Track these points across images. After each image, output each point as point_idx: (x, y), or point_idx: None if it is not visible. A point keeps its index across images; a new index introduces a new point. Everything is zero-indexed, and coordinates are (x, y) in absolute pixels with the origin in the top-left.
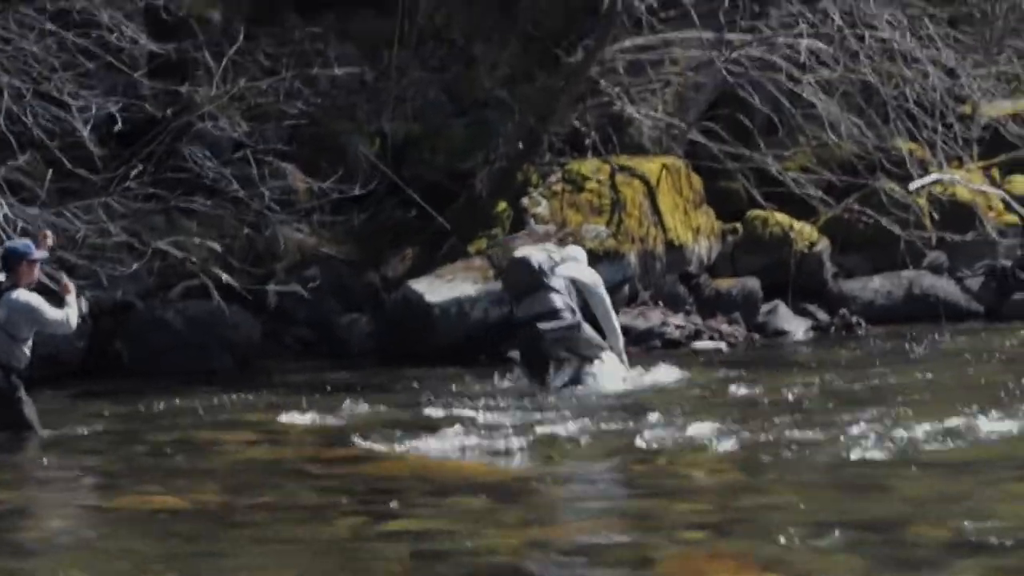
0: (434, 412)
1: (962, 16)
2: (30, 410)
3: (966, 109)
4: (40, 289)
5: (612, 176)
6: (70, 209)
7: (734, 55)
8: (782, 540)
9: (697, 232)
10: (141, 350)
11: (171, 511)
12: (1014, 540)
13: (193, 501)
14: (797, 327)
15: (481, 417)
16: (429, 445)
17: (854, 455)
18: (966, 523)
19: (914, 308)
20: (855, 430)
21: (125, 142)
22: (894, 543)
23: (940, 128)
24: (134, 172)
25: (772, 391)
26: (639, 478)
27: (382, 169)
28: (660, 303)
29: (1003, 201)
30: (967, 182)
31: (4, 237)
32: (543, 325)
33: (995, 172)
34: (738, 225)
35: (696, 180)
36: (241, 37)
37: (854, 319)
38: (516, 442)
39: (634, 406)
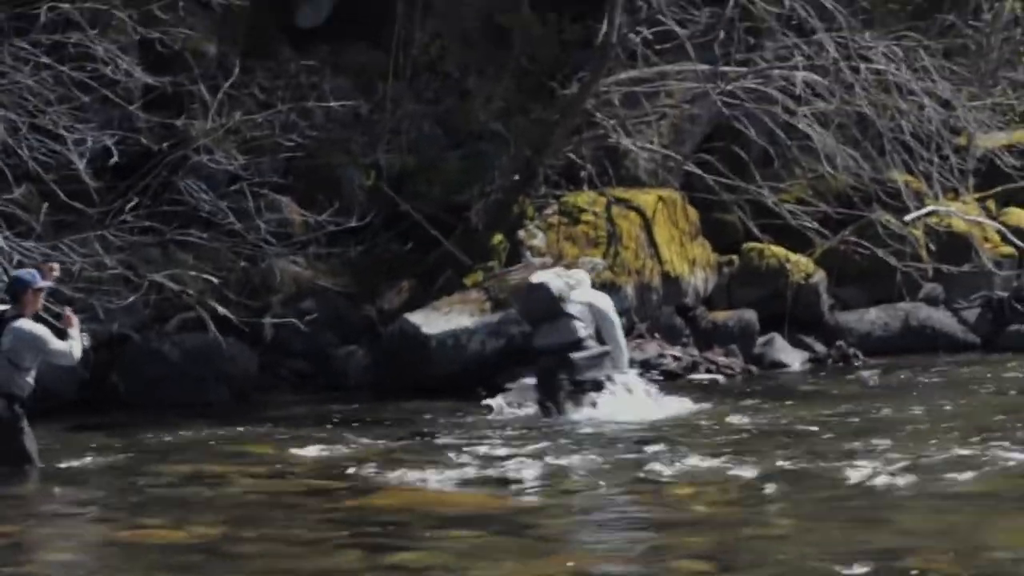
0: (432, 444)
1: (957, 48)
2: (30, 442)
3: (962, 141)
4: (41, 320)
5: (608, 208)
6: (66, 242)
7: (729, 87)
8: (785, 572)
9: (693, 264)
10: (137, 382)
11: (170, 544)
12: (1016, 573)
13: (192, 534)
14: (794, 359)
15: (481, 449)
16: (428, 477)
17: (855, 486)
18: (968, 554)
19: (911, 340)
20: (856, 461)
21: (121, 175)
22: (895, 574)
23: (936, 160)
24: (130, 205)
25: (772, 423)
26: (642, 509)
27: (380, 201)
28: (657, 335)
29: (999, 232)
30: (963, 214)
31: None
32: (576, 355)
33: (991, 203)
34: (734, 257)
35: (692, 212)
36: (236, 70)
37: (851, 351)
38: (517, 474)
39: (637, 437)
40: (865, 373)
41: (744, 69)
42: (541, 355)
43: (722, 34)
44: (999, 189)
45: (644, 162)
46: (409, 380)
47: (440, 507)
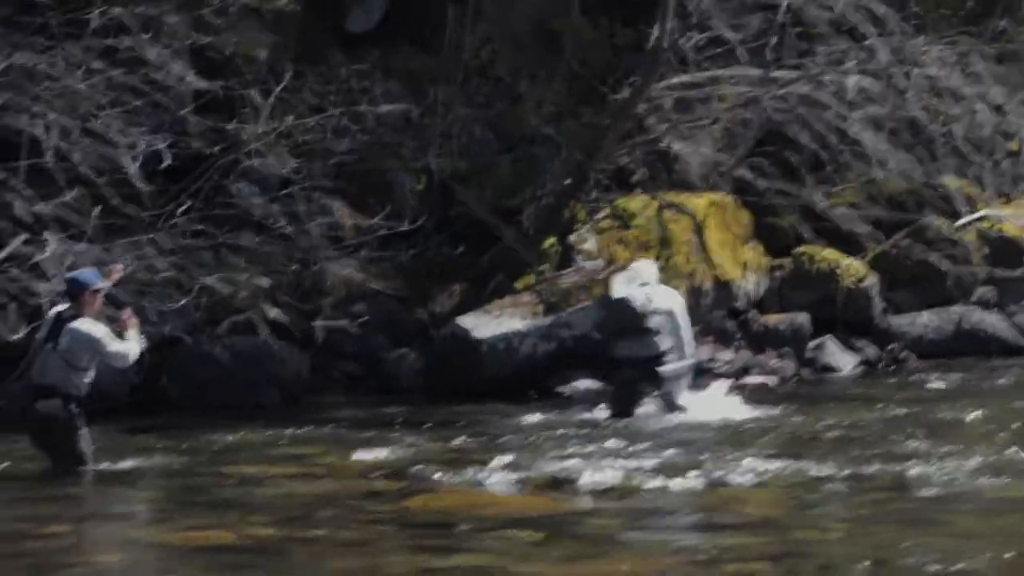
0: (485, 446)
1: (1009, 53)
2: (85, 444)
3: (1013, 146)
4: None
5: (660, 212)
6: (118, 245)
7: (781, 92)
8: (841, 575)
9: (745, 268)
10: (188, 385)
11: (222, 545)
12: None
13: (244, 535)
14: (846, 362)
15: (534, 451)
16: (481, 479)
17: (912, 489)
18: (1022, 559)
19: (963, 343)
20: (909, 464)
21: (172, 179)
22: None
23: (988, 164)
24: (181, 208)
25: (826, 426)
26: (697, 511)
27: (431, 204)
28: (709, 338)
29: None
30: (1015, 218)
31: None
32: (665, 369)
33: None
34: (786, 261)
35: (744, 216)
36: (288, 75)
37: (903, 354)
38: (572, 476)
39: (693, 439)
40: (919, 377)
41: (796, 74)
42: (622, 365)
43: (774, 39)
44: None
45: (696, 166)
46: (460, 383)
47: (493, 508)
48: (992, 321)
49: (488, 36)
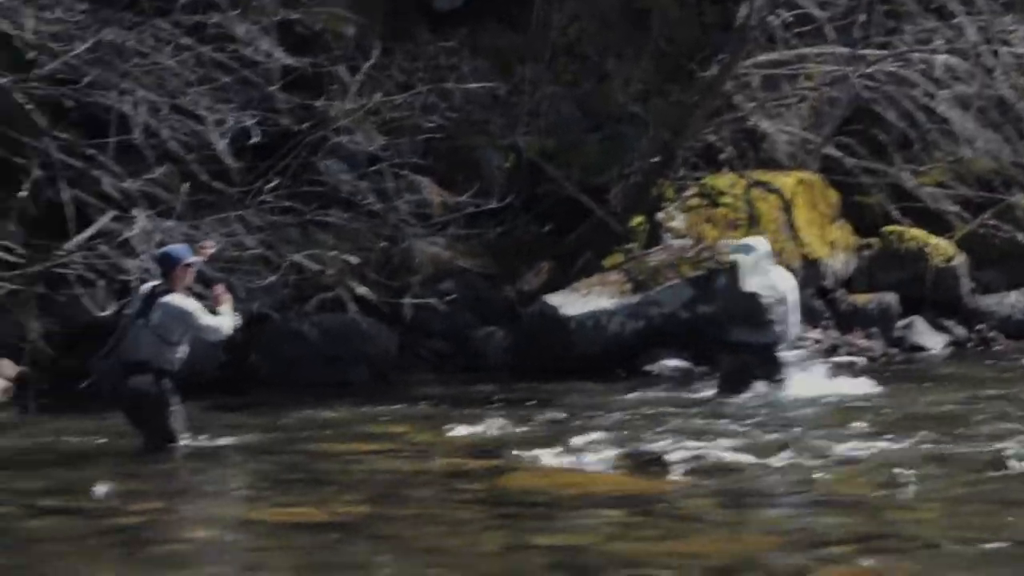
0: (574, 425)
1: None
2: (176, 421)
3: None
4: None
5: (748, 190)
6: (206, 222)
7: (869, 70)
8: (929, 555)
9: (833, 247)
10: (277, 362)
11: (312, 523)
12: None
13: (335, 513)
14: (934, 342)
15: (626, 429)
16: (571, 458)
17: (1001, 469)
18: None
19: None
20: (1002, 444)
21: (260, 155)
22: None
23: None
24: (270, 185)
25: (915, 405)
26: (788, 491)
27: (519, 182)
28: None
29: None
30: None
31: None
32: (784, 356)
33: None
34: (874, 240)
35: (832, 194)
36: (376, 52)
37: (991, 334)
38: (663, 454)
39: (787, 419)
40: (1008, 357)
41: (884, 52)
42: (738, 350)
43: (861, 17)
44: None
45: (783, 145)
46: (548, 361)
47: (585, 487)
48: None
49: (575, 14)
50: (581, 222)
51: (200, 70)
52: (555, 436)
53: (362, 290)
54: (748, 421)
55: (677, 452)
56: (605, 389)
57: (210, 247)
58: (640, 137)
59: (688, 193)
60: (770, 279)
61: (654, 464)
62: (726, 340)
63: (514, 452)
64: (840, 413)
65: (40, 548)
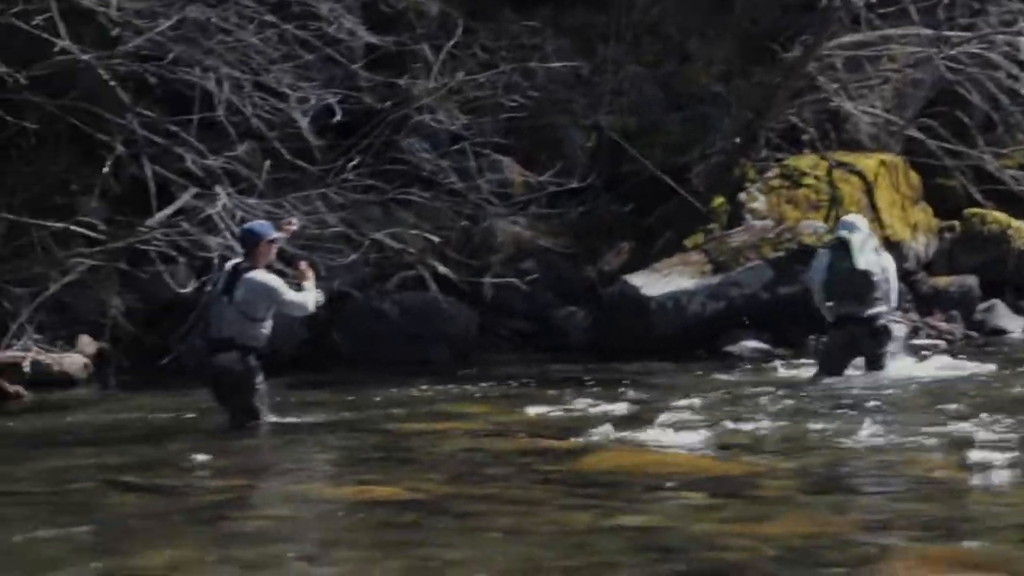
0: (655, 405)
1: None
2: (260, 398)
3: None
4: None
5: (830, 172)
6: (288, 200)
7: (953, 52)
8: (1009, 542)
9: (915, 229)
10: (358, 340)
11: (393, 501)
12: None
13: (415, 491)
14: (1016, 325)
15: (704, 411)
16: (652, 438)
17: None
18: None
19: None
20: None
21: (343, 134)
22: None
23: None
24: (352, 163)
25: (998, 389)
26: (871, 474)
27: (600, 162)
28: None
29: None
30: None
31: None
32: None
33: None
34: (956, 223)
35: (914, 177)
36: (459, 30)
37: None
38: (738, 436)
39: (871, 401)
40: None
41: (968, 34)
42: (845, 323)
43: None
44: None
45: (866, 126)
46: (628, 341)
47: (666, 468)
48: None
49: None
50: (662, 202)
51: (284, 47)
52: (636, 416)
53: (443, 269)
54: (837, 401)
55: (759, 433)
56: (685, 369)
57: (295, 224)
58: (722, 117)
59: (770, 174)
60: (876, 257)
61: (735, 445)
62: (836, 315)
63: (595, 432)
64: (932, 395)
65: (123, 524)
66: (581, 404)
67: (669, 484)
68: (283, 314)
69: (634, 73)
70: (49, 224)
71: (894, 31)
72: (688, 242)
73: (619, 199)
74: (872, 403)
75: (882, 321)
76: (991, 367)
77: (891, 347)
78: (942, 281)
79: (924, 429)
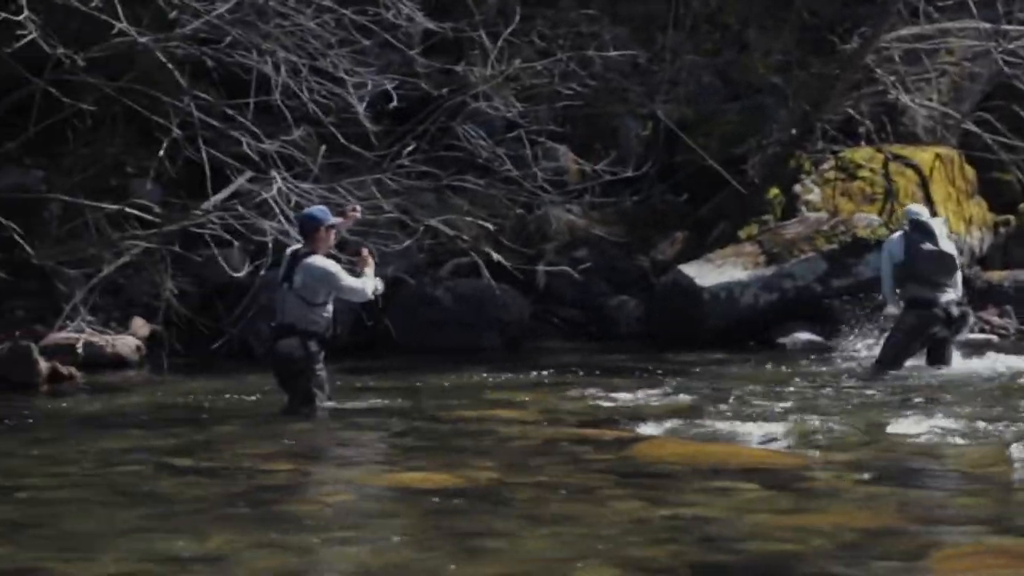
0: (707, 396)
1: None
2: (318, 383)
3: None
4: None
5: (885, 165)
6: (343, 185)
7: (1011, 46)
8: None
9: (969, 223)
10: (410, 326)
11: (443, 487)
12: None
13: (466, 478)
14: None
15: (757, 402)
16: (704, 429)
17: None
18: None
19: None
20: None
21: (399, 119)
22: None
23: None
24: (407, 150)
25: None
26: (927, 468)
27: (656, 151)
28: None
29: None
30: None
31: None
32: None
33: None
34: (1011, 217)
35: (969, 171)
36: (517, 18)
37: None
38: (790, 428)
39: (927, 393)
40: None
41: None
42: (918, 306)
43: None
44: None
45: (922, 119)
46: (681, 331)
47: (718, 459)
48: None
49: None
50: (717, 192)
51: (341, 32)
52: (687, 407)
53: (496, 256)
54: (893, 394)
55: (811, 425)
56: (737, 361)
57: (358, 212)
58: (779, 108)
59: (825, 166)
60: (950, 244)
61: (787, 437)
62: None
63: (645, 421)
64: (994, 389)
65: (173, 507)
66: (632, 393)
67: (720, 475)
68: (340, 300)
69: (691, 62)
70: (104, 206)
71: (952, 24)
72: (742, 233)
73: (673, 189)
74: (929, 396)
75: (963, 307)
76: (990, 364)
77: (963, 332)
78: (996, 276)
79: (980, 424)
